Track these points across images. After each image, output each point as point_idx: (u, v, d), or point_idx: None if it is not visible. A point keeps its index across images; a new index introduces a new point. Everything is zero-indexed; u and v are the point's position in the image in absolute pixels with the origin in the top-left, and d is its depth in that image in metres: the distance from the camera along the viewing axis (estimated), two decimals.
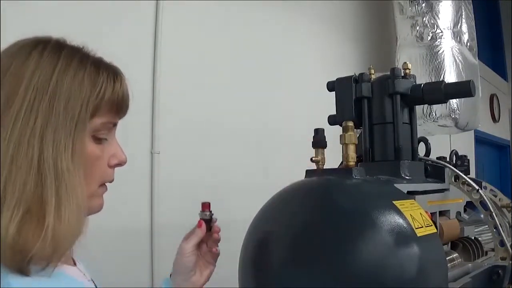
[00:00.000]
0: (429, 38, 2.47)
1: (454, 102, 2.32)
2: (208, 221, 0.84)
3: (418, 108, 1.09)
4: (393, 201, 0.75)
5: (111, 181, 0.65)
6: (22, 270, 0.52)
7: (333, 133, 0.94)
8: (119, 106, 0.62)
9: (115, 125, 0.64)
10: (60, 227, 0.53)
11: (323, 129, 0.90)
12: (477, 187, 0.98)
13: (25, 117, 0.53)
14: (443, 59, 2.43)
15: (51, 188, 0.53)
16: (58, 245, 0.53)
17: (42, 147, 0.54)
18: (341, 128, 0.87)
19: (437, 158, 1.14)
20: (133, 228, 1.52)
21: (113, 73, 0.62)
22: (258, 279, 0.78)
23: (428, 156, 1.11)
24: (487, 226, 1.02)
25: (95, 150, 0.61)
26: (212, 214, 0.84)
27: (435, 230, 0.79)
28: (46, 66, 0.56)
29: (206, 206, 0.85)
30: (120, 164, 0.65)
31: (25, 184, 0.52)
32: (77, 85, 0.57)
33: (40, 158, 0.53)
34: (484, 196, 0.97)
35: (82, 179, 0.57)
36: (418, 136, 1.06)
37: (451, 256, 1.00)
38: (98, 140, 0.61)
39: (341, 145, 0.86)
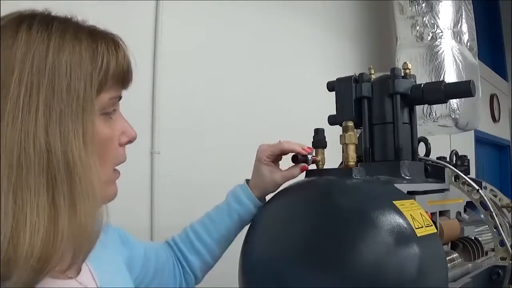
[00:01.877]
0: (429, 38, 2.47)
1: (454, 102, 2.31)
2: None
3: (418, 108, 1.09)
4: (393, 201, 0.75)
5: (123, 161, 0.60)
6: (35, 282, 0.46)
7: (333, 133, 0.94)
8: (125, 77, 0.57)
9: (120, 98, 0.58)
10: (75, 231, 0.48)
11: (323, 129, 0.90)
12: (477, 187, 0.98)
13: (24, 108, 0.47)
14: (443, 59, 2.42)
15: (62, 186, 0.47)
16: (76, 250, 0.49)
17: (49, 140, 0.47)
18: (341, 128, 0.87)
19: (437, 158, 1.14)
20: (133, 228, 1.51)
21: (112, 43, 0.56)
22: (258, 279, 0.78)
23: (428, 156, 1.11)
24: (487, 226, 1.02)
25: (106, 130, 0.55)
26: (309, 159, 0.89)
27: (435, 230, 0.79)
28: (38, 45, 0.49)
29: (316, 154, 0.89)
30: (131, 141, 0.60)
31: (36, 187, 0.46)
32: (77, 61, 0.51)
33: (49, 154, 0.47)
34: (484, 196, 0.97)
35: (98, 169, 0.51)
36: (418, 136, 1.06)
37: (451, 256, 1.00)
38: (107, 118, 0.56)
39: (341, 145, 0.86)
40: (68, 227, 0.47)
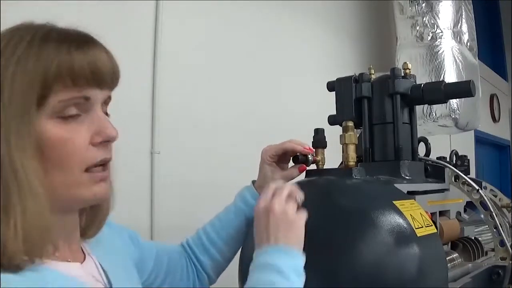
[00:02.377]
0: (429, 38, 2.47)
1: (454, 102, 2.31)
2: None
3: (418, 108, 1.09)
4: (393, 201, 0.75)
5: (103, 162, 0.59)
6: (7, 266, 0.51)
7: (333, 133, 0.94)
8: (78, 78, 0.55)
9: (87, 99, 0.57)
10: (26, 224, 0.52)
11: (323, 129, 0.90)
12: (477, 187, 0.98)
13: None
14: (443, 59, 2.42)
15: (13, 187, 0.52)
16: (30, 241, 0.52)
17: None
18: (341, 128, 0.87)
19: (437, 158, 1.14)
20: (133, 228, 1.51)
21: (66, 42, 0.55)
22: None
23: (428, 156, 1.11)
24: (487, 226, 1.02)
25: (60, 133, 0.55)
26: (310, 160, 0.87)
27: (435, 230, 0.79)
28: None
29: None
30: (109, 140, 0.58)
31: None
32: (22, 68, 0.53)
33: (0, 159, 0.52)
34: (484, 196, 0.97)
35: (39, 172, 0.54)
36: (418, 136, 1.06)
37: (451, 256, 1.00)
38: (62, 120, 0.55)
39: (341, 145, 0.86)
40: (20, 222, 0.52)
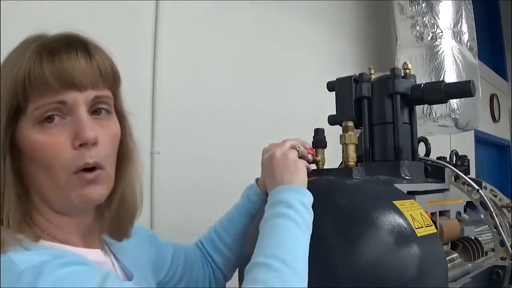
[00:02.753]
0: (429, 38, 2.47)
1: (454, 102, 2.31)
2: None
3: (418, 108, 1.09)
4: (393, 201, 0.75)
5: (87, 166, 0.59)
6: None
7: (333, 133, 0.94)
8: (45, 84, 0.57)
9: (63, 103, 0.58)
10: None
11: (323, 129, 0.90)
12: (477, 187, 0.98)
13: None
14: (443, 59, 2.42)
15: None
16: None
17: None
18: (341, 128, 0.87)
19: (437, 158, 1.14)
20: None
21: (39, 52, 0.58)
22: None
23: (428, 156, 1.11)
24: (487, 226, 1.02)
25: (42, 138, 0.57)
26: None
27: (435, 230, 0.79)
28: None
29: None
30: (86, 143, 0.58)
31: None
32: (3, 80, 0.57)
33: None
34: (484, 196, 0.97)
35: (11, 180, 0.57)
36: (418, 136, 1.06)
37: (451, 256, 1.00)
38: (45, 126, 0.58)
39: (341, 145, 0.86)
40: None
